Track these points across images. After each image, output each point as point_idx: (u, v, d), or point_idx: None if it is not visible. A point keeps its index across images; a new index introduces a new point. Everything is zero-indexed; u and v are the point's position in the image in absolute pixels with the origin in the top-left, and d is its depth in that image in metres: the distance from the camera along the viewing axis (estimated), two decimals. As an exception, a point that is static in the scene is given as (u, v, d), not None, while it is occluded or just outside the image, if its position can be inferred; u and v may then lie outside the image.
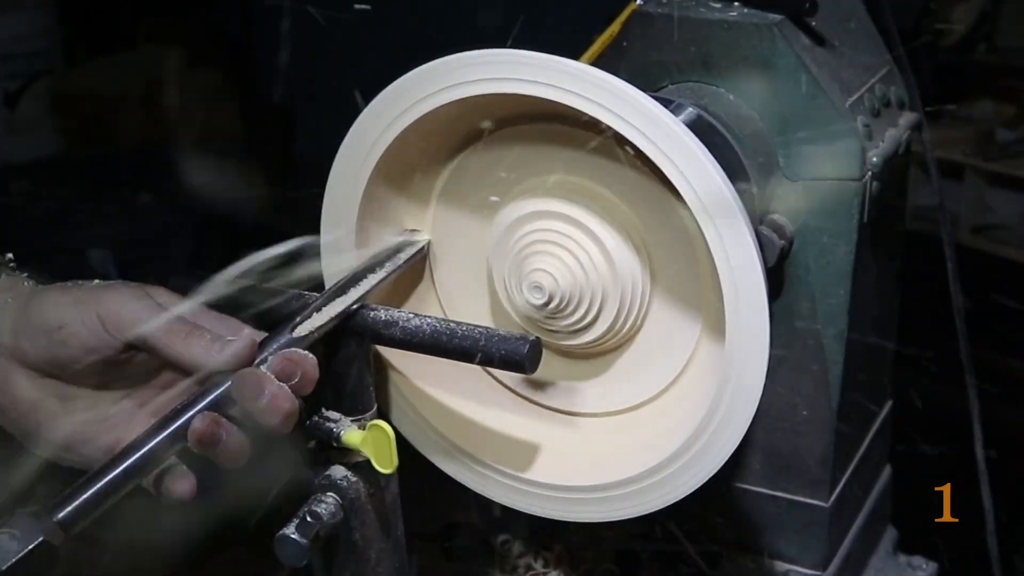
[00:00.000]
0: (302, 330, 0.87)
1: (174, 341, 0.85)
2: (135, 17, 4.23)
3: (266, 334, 0.87)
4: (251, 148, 4.21)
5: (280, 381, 0.83)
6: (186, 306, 0.87)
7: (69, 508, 0.78)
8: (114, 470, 0.80)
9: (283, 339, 0.86)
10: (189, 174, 3.32)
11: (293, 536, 0.88)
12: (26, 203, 3.18)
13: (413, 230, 1.02)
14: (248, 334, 0.85)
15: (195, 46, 4.02)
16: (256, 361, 0.85)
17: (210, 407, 0.82)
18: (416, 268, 1.03)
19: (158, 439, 0.81)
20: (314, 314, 0.88)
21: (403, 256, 0.99)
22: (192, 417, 0.82)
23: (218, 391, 0.83)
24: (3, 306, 0.88)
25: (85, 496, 0.79)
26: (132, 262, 2.95)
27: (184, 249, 3.09)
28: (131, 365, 0.89)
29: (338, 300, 0.90)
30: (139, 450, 0.81)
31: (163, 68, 3.79)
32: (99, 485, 0.79)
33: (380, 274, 0.95)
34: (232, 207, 3.24)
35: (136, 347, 0.86)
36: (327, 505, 0.90)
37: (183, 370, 0.86)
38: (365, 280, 0.93)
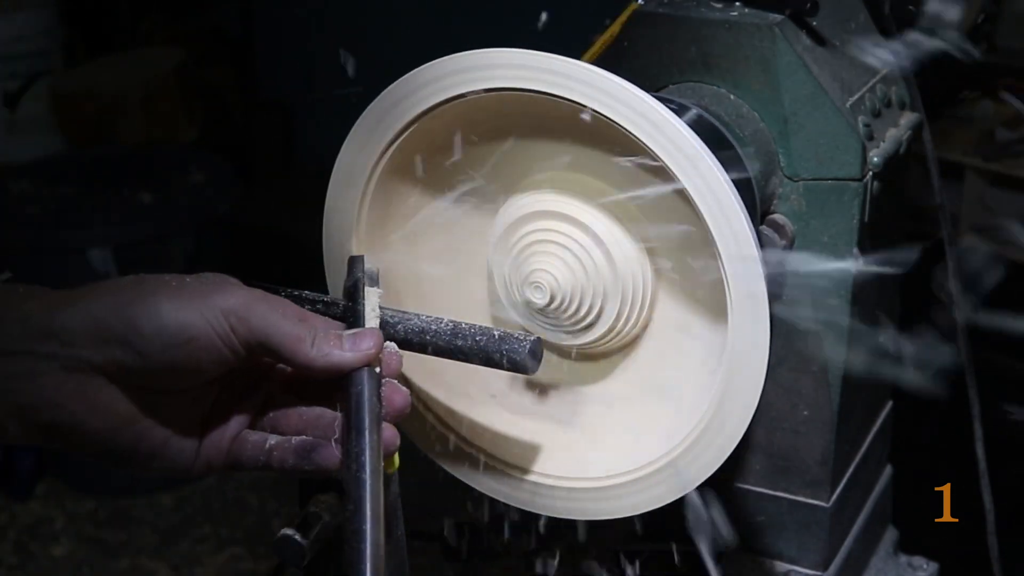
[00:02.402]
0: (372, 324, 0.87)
1: (303, 345, 0.81)
2: (135, 17, 4.23)
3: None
4: (251, 148, 4.21)
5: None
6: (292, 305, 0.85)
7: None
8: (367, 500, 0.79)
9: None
10: (189, 174, 3.33)
11: (293, 536, 0.88)
12: (26, 203, 3.18)
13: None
14: (373, 330, 0.85)
15: (195, 46, 4.03)
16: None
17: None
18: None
19: (368, 436, 0.81)
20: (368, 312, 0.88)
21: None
22: (376, 412, 0.82)
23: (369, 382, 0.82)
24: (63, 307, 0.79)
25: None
26: (132, 262, 2.95)
27: (184, 249, 3.09)
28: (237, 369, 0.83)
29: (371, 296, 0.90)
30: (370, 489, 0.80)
31: (163, 68, 3.79)
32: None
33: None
34: (232, 207, 3.24)
35: (254, 350, 0.82)
36: (328, 505, 0.90)
37: (305, 373, 0.83)
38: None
